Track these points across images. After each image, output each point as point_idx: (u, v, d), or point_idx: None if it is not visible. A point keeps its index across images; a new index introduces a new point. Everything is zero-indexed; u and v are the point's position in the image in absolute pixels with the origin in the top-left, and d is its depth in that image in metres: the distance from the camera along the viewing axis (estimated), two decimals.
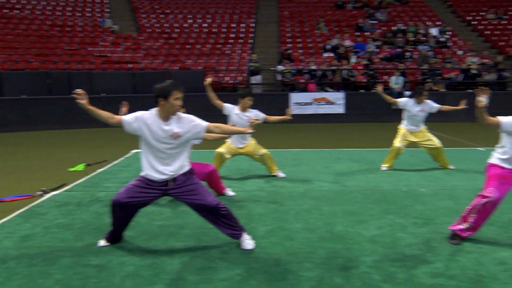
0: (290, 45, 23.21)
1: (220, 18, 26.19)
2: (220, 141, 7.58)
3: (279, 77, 20.27)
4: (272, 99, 18.46)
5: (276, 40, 24.43)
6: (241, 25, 25.49)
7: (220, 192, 6.97)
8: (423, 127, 8.96)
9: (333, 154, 10.79)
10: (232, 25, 25.42)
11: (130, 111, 4.75)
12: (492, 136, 4.95)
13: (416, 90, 8.88)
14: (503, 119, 4.89)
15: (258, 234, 5.24)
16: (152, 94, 4.61)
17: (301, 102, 18.89)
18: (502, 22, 25.74)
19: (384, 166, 8.91)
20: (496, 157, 5.08)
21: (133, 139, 4.87)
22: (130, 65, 21.08)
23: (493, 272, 4.20)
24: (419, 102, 8.76)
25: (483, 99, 4.70)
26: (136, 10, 26.58)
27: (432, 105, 8.90)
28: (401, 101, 8.90)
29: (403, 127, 8.97)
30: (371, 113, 18.72)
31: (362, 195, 7.02)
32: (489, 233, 5.20)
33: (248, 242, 4.84)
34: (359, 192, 7.17)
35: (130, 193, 4.68)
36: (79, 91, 4.49)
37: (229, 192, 7.03)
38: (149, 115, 4.62)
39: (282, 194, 7.07)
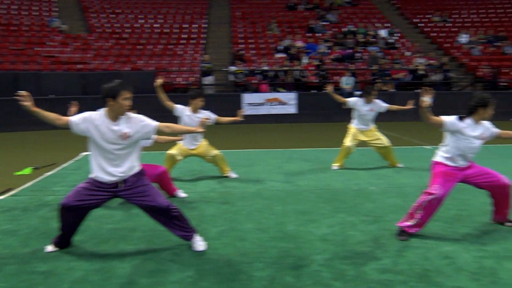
0: (242, 45, 23.26)
1: (172, 18, 25.98)
2: (172, 143, 7.52)
3: (231, 78, 20.29)
4: (224, 100, 18.46)
5: (228, 40, 24.43)
6: (193, 25, 25.36)
7: (171, 194, 6.91)
8: (372, 126, 9.16)
9: (285, 154, 10.89)
10: (184, 25, 25.26)
11: (80, 112, 4.64)
12: (437, 135, 5.13)
13: (365, 90, 9.08)
14: (446, 119, 5.07)
15: (210, 235, 5.22)
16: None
17: (254, 103, 18.96)
18: (447, 24, 26.64)
19: (335, 165, 9.05)
20: (440, 156, 5.25)
21: (83, 141, 4.76)
22: (79, 66, 20.62)
23: (438, 266, 4.34)
24: (368, 101, 8.95)
25: (427, 99, 4.85)
26: (85, 10, 26.01)
27: (381, 105, 9.11)
28: (351, 100, 9.07)
29: (353, 126, 9.14)
30: (322, 113, 19.00)
31: (313, 194, 7.11)
32: (435, 229, 5.36)
33: (199, 243, 4.82)
34: (310, 192, 7.26)
35: (79, 196, 4.58)
36: (22, 92, 4.36)
37: (181, 194, 6.98)
38: (97, 116, 4.53)
39: (234, 195, 7.07)
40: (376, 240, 5.06)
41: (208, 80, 20.33)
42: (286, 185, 7.70)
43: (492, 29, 25.59)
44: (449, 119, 5.08)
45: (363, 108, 8.97)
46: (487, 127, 5.26)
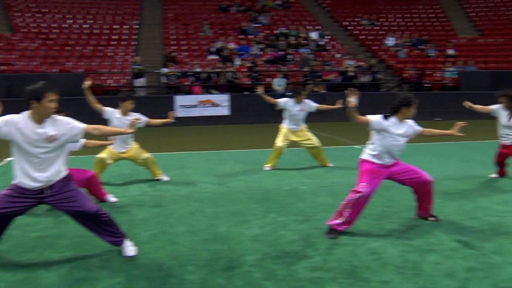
0: (175, 47, 23.05)
1: (102, 19, 25.34)
2: (101, 147, 7.33)
3: (163, 80, 20.05)
4: (156, 102, 18.22)
5: (160, 42, 24.13)
6: (124, 26, 24.86)
7: (101, 199, 6.74)
8: (303, 126, 9.32)
9: (217, 156, 10.89)
10: (115, 26, 24.71)
11: (4, 115, 4.43)
12: (366, 134, 5.31)
13: (295, 91, 9.24)
14: (372, 118, 5.26)
15: (141, 239, 5.14)
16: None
17: (186, 105, 18.83)
18: (375, 28, 27.56)
19: (267, 166, 9.14)
20: (367, 153, 5.44)
21: (7, 146, 4.55)
22: (3, 67, 19.71)
23: (366, 262, 4.48)
24: (299, 101, 9.11)
25: (353, 100, 5.00)
26: (9, 9, 24.88)
27: (311, 105, 9.29)
28: (281, 101, 9.20)
29: (284, 127, 9.27)
30: (255, 114, 19.14)
31: (245, 195, 7.15)
32: (363, 226, 5.53)
33: (129, 248, 4.73)
34: (242, 193, 7.30)
35: (1, 203, 4.38)
36: None
37: (111, 198, 6.83)
38: (21, 119, 4.35)
39: (166, 198, 7.00)
40: (307, 239, 5.15)
41: (140, 82, 20.00)
42: (218, 187, 7.70)
43: (417, 32, 26.72)
44: (375, 118, 5.28)
45: (294, 109, 9.12)
46: (410, 125, 5.51)
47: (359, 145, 11.97)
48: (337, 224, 5.25)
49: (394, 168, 5.46)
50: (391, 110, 5.36)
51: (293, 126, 9.23)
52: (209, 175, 8.65)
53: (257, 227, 5.57)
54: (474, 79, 21.23)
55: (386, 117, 5.32)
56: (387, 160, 5.38)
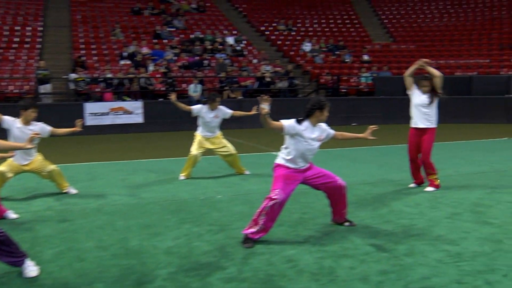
0: (84, 51, 22.36)
1: (0, 19, 24.11)
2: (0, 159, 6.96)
3: (72, 86, 19.39)
4: (64, 110, 17.58)
5: (68, 46, 23.33)
6: (27, 28, 23.79)
7: (0, 216, 6.39)
8: (218, 133, 9.35)
9: (130, 166, 10.66)
10: (16, 28, 23.58)
11: None
12: (282, 140, 5.42)
13: (209, 97, 9.26)
14: (285, 123, 5.36)
15: (45, 258, 4.92)
16: None
17: (97, 113, 18.31)
18: (292, 33, 28.20)
19: (182, 175, 9.07)
20: (281, 158, 5.54)
21: None
22: None
23: (282, 270, 4.55)
24: (213, 108, 9.13)
25: (265, 107, 5.07)
26: None
27: (225, 111, 9.34)
28: (195, 108, 9.18)
29: (199, 134, 9.25)
30: (170, 122, 18.94)
31: (159, 206, 7.05)
32: (279, 233, 5.62)
33: (31, 269, 4.51)
34: (156, 204, 7.19)
35: None
36: None
37: (11, 215, 6.49)
38: None
39: (73, 212, 6.75)
40: (222, 249, 5.16)
41: (45, 88, 19.21)
42: (129, 199, 7.54)
43: (333, 38, 27.66)
44: (288, 123, 5.38)
45: (208, 115, 9.13)
46: (324, 129, 5.70)
47: (276, 151, 12.18)
48: (253, 233, 5.30)
49: (308, 172, 5.59)
50: (305, 114, 5.50)
51: (208, 133, 9.23)
52: (120, 187, 8.45)
53: (171, 239, 5.50)
54: (388, 84, 22.27)
55: (299, 121, 5.44)
56: (301, 165, 5.51)
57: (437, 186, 7.90)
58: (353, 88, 23.67)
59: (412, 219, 6.20)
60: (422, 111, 7.96)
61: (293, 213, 6.49)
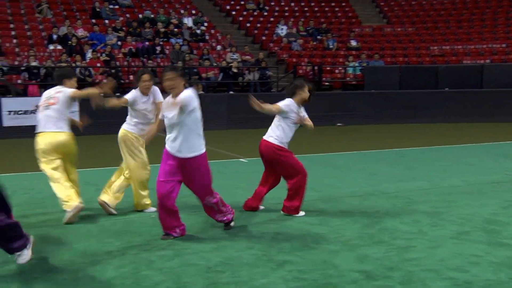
0: None
1: None
2: None
3: None
4: None
5: None
6: None
7: None
8: None
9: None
10: None
11: None
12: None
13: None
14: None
15: None
16: None
17: (18, 110, 17.94)
18: (264, 13, 28.30)
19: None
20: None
21: None
22: None
23: None
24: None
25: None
26: None
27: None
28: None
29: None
30: (113, 122, 18.68)
31: (98, 227, 6.99)
32: (248, 258, 5.63)
33: None
34: (94, 224, 7.13)
35: None
36: None
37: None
38: None
39: None
40: (177, 279, 5.14)
41: None
42: (59, 218, 7.40)
43: (313, 20, 27.86)
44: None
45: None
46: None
47: (246, 159, 12.19)
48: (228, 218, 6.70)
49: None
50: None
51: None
52: (48, 204, 8.30)
53: (113, 268, 5.45)
54: (380, 75, 22.56)
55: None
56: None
57: None
58: (338, 81, 23.90)
59: (410, 239, 6.27)
60: None
61: (265, 233, 6.52)
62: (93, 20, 23.93)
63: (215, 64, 22.28)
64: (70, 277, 5.25)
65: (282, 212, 7.44)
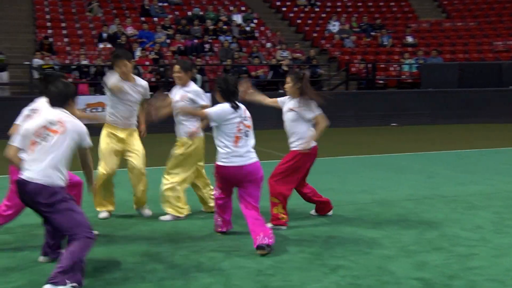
0: (51, 31, 22.46)
1: None
2: None
3: (35, 75, 19.47)
4: (25, 105, 17.60)
5: (30, 24, 23.47)
6: None
7: None
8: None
9: None
10: None
11: None
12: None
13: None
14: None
15: None
16: None
17: None
18: (315, 9, 28.16)
19: None
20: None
21: None
22: None
23: None
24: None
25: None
26: None
27: None
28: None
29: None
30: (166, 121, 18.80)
31: None
32: (300, 261, 5.59)
33: None
34: None
35: None
36: None
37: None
38: None
39: None
40: None
41: (1, 77, 19.32)
42: None
43: (367, 15, 27.59)
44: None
45: None
46: None
47: None
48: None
49: None
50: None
51: None
52: None
53: (162, 268, 5.50)
54: (438, 73, 22.14)
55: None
56: None
57: None
58: (393, 79, 23.60)
59: (472, 247, 6.13)
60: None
61: (317, 237, 6.50)
62: (142, 18, 24.23)
63: (264, 62, 22.26)
64: (120, 276, 5.35)
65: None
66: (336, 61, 24.24)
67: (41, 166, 4.83)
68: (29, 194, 4.87)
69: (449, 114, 21.15)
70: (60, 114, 5.07)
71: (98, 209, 7.55)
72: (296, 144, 6.97)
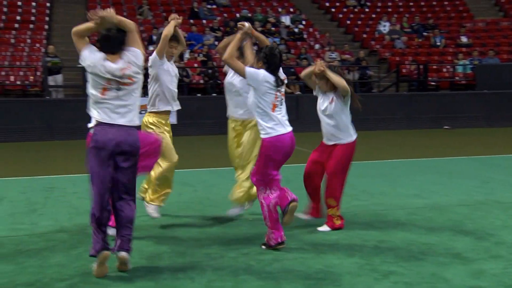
0: None
1: None
2: None
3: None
4: (79, 107, 17.83)
5: None
6: (32, 4, 24.43)
7: None
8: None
9: None
10: (18, 3, 24.23)
11: None
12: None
13: None
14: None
15: None
16: None
17: None
18: (365, 9, 27.99)
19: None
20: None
21: None
22: None
23: None
24: None
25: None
26: None
27: None
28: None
29: None
30: (211, 122, 18.85)
31: None
32: (349, 266, 5.57)
33: None
34: None
35: None
36: None
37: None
38: None
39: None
40: None
41: (55, 80, 19.66)
42: None
43: (419, 15, 27.28)
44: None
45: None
46: None
47: None
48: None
49: None
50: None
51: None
52: None
53: (212, 270, 5.55)
54: (494, 74, 21.70)
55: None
56: None
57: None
58: (446, 80, 23.28)
59: None
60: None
61: (367, 241, 6.47)
62: (191, 21, 24.43)
63: (313, 64, 22.13)
64: (169, 277, 5.41)
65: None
66: (386, 63, 24.07)
67: None
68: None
69: (506, 116, 20.69)
70: None
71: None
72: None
